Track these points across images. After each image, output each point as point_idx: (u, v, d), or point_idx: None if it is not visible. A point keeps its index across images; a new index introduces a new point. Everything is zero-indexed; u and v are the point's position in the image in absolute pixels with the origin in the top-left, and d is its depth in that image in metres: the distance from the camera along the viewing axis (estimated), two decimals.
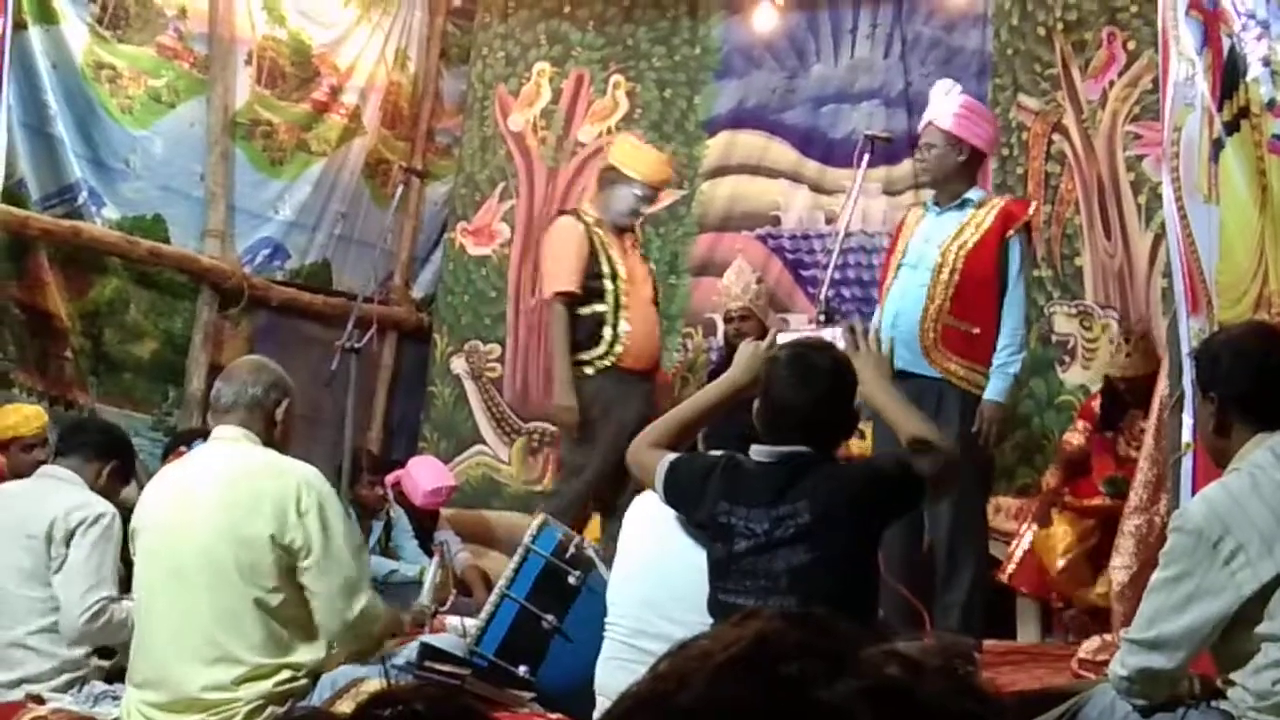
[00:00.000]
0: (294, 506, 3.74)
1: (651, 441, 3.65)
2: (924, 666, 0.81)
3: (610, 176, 6.40)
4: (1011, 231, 5.30)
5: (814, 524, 3.24)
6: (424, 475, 7.17)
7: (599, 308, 6.23)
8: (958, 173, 5.40)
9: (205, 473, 3.88)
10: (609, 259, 6.25)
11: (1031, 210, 5.52)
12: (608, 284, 6.24)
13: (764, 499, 3.31)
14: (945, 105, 5.43)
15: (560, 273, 6.24)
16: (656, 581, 3.69)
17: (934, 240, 5.35)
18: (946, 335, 5.25)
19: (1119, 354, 6.24)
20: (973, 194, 5.41)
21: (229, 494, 3.79)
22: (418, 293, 8.73)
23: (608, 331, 6.26)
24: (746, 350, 3.68)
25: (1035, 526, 6.05)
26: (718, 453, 3.58)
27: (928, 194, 5.76)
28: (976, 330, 5.25)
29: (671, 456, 3.55)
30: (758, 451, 3.40)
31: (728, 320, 6.99)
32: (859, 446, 5.70)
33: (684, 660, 0.82)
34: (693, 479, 3.47)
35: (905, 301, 5.34)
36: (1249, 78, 4.04)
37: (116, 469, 4.93)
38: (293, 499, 3.74)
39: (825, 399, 3.36)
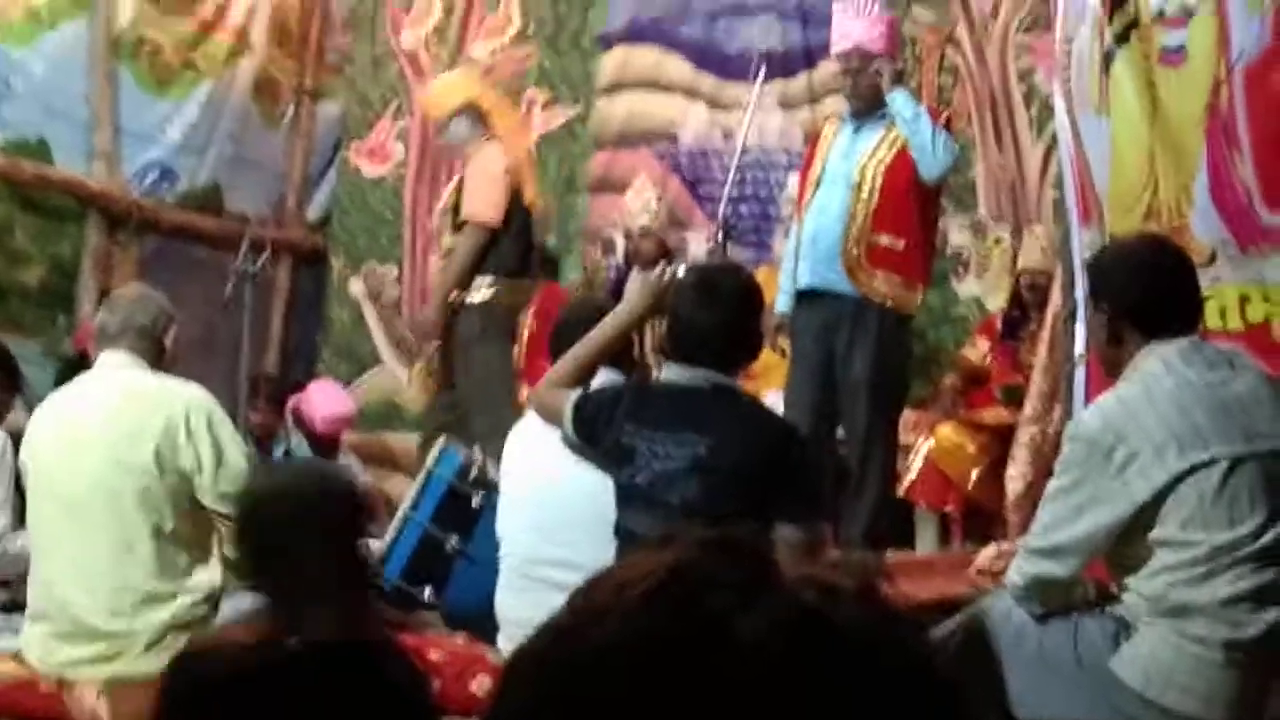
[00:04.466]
0: (183, 428, 3.71)
1: (555, 382, 3.64)
2: (840, 591, 0.81)
3: None
4: None
5: (709, 456, 3.24)
6: (323, 401, 7.11)
7: None
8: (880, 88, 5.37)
9: (94, 401, 3.83)
10: None
11: (943, 120, 5.48)
12: None
13: (668, 423, 3.31)
14: (871, 27, 5.35)
15: None
16: (545, 506, 3.70)
17: (852, 157, 5.32)
18: (872, 252, 5.23)
19: (1035, 246, 6.26)
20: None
21: (118, 421, 3.75)
22: (312, 215, 8.61)
23: None
24: (638, 279, 3.68)
25: (930, 439, 6.14)
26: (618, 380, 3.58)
27: (833, 106, 5.72)
28: (902, 243, 5.25)
29: (577, 392, 3.54)
30: (668, 373, 3.40)
31: (628, 237, 6.98)
32: (777, 364, 5.73)
33: (599, 592, 0.82)
34: (601, 406, 3.46)
35: (825, 219, 5.30)
36: None
37: None
38: (181, 421, 3.72)
39: (732, 320, 3.37)
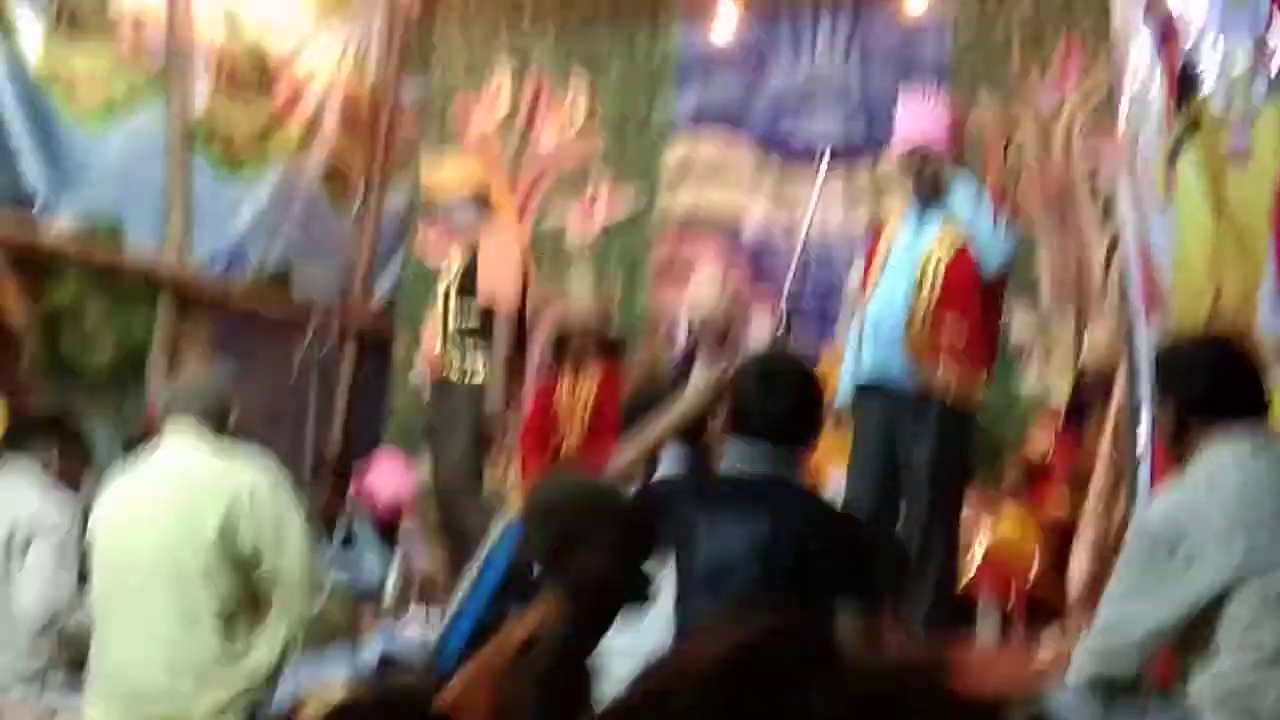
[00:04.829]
0: (247, 507, 3.75)
1: (619, 467, 3.65)
2: (909, 676, 0.82)
3: None
4: None
5: (769, 543, 3.23)
6: (385, 480, 7.15)
7: None
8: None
9: (159, 478, 3.88)
10: None
11: (1004, 211, 5.47)
12: None
13: (728, 510, 3.31)
14: (935, 124, 5.38)
15: None
16: None
17: (916, 248, 5.33)
18: (935, 343, 5.22)
19: (1099, 339, 6.18)
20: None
21: (183, 499, 3.79)
22: (378, 299, 8.68)
23: None
24: (703, 376, 3.70)
25: (992, 532, 6.08)
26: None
27: (896, 198, 5.74)
28: (965, 334, 5.24)
29: (638, 481, 3.55)
30: (730, 452, 3.41)
31: (690, 325, 7.00)
32: (834, 446, 5.71)
33: (665, 673, 0.83)
34: (661, 494, 3.47)
35: (888, 309, 5.28)
36: (1204, 86, 4.08)
37: (64, 450, 4.92)
38: (246, 500, 3.76)
39: (792, 408, 3.37)
